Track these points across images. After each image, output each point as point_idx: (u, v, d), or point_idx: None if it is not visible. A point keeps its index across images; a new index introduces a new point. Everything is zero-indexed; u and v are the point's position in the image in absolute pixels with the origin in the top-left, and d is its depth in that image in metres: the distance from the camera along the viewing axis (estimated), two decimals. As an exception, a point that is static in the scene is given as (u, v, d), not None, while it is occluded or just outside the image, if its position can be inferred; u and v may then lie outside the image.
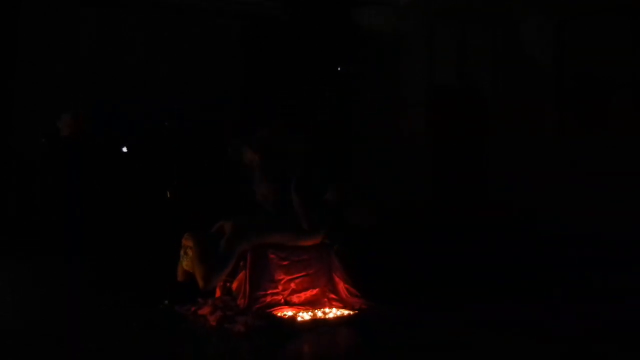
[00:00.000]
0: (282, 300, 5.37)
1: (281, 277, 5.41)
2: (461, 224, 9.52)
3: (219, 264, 5.33)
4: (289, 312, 5.26)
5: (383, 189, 9.92)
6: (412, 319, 5.16)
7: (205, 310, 5.25)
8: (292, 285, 5.44)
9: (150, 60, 9.57)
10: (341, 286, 5.52)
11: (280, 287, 5.39)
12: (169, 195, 7.10)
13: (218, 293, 5.60)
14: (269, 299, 5.32)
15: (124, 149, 7.84)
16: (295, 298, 5.41)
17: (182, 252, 5.53)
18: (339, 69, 10.12)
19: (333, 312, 5.31)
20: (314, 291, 5.50)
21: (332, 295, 5.53)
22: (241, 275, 5.40)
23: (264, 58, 10.03)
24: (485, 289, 6.18)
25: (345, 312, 5.33)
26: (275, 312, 5.23)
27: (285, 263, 5.45)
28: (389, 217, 8.62)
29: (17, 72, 8.77)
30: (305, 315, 5.20)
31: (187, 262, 5.49)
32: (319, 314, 5.28)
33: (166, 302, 5.58)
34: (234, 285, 5.46)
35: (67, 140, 7.69)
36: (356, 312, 5.32)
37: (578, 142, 9.95)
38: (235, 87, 10.06)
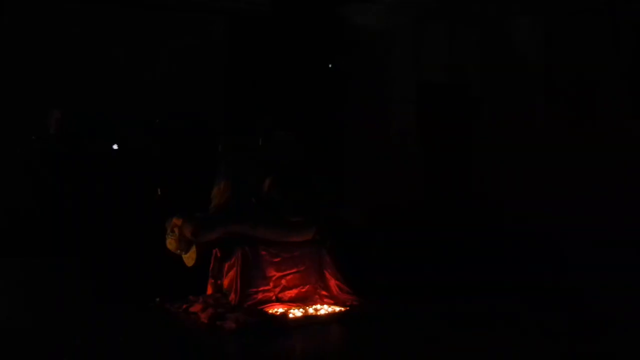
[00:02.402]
0: (274, 297, 5.38)
1: (272, 274, 5.42)
2: (450, 221, 9.55)
3: (209, 222, 5.38)
4: (280, 309, 5.27)
5: (373, 186, 9.94)
6: (403, 315, 5.19)
7: (196, 308, 5.26)
8: (283, 282, 5.45)
9: (134, 57, 9.51)
10: (332, 283, 5.54)
11: (271, 284, 5.40)
12: (159, 193, 7.09)
13: (209, 290, 5.61)
14: (260, 295, 5.33)
15: (115, 147, 7.81)
16: (286, 295, 5.42)
17: (168, 230, 5.53)
18: (329, 66, 10.11)
19: (324, 309, 5.33)
20: (305, 288, 5.51)
21: (323, 292, 5.54)
22: (232, 272, 5.40)
23: (249, 54, 10.00)
24: (474, 285, 6.22)
25: (337, 308, 5.35)
26: (266, 309, 5.24)
27: (276, 260, 5.46)
28: (379, 214, 8.64)
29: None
30: (296, 312, 5.22)
31: (170, 240, 5.50)
32: (310, 310, 5.29)
33: (157, 299, 5.59)
34: (225, 283, 5.47)
35: (56, 138, 7.66)
36: (347, 308, 5.34)
37: (568, 140, 9.97)
38: (221, 83, 10.02)
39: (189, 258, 5.53)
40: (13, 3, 8.75)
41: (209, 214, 5.55)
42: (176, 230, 5.40)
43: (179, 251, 5.52)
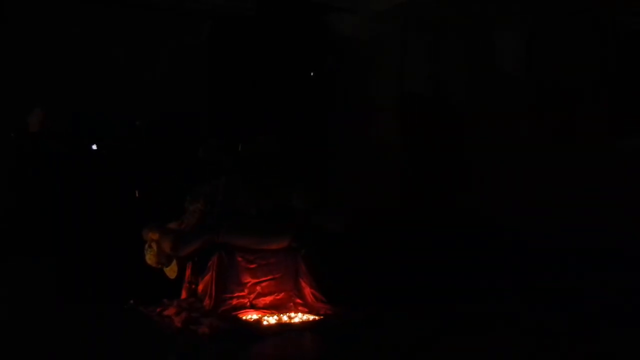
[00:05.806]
0: (248, 304, 5.39)
1: (247, 280, 5.43)
2: (431, 228, 9.58)
3: (187, 236, 5.40)
4: (254, 316, 5.28)
5: (354, 193, 9.96)
6: (378, 324, 5.21)
7: (170, 311, 5.25)
8: (258, 288, 5.46)
9: (118, 59, 9.48)
10: (307, 291, 5.55)
11: (246, 290, 5.41)
12: (137, 195, 7.06)
13: (184, 294, 5.61)
14: (234, 301, 5.34)
15: (94, 147, 7.78)
16: (261, 301, 5.43)
17: (146, 246, 5.53)
18: (311, 74, 10.15)
19: (298, 317, 5.34)
20: (280, 295, 5.52)
21: (298, 300, 5.55)
22: (207, 277, 5.40)
23: (233, 58, 10.01)
24: (453, 291, 6.24)
25: (311, 317, 5.36)
26: (240, 315, 5.25)
27: (252, 266, 5.46)
28: (359, 222, 8.64)
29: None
30: (270, 319, 5.23)
31: (150, 255, 5.49)
32: (285, 318, 5.31)
33: (131, 302, 5.57)
34: (200, 287, 5.46)
35: (37, 136, 7.61)
36: (321, 317, 5.35)
37: (552, 149, 10.02)
38: (205, 87, 10.02)
39: (171, 270, 5.56)
40: (14, 3, 8.71)
41: (183, 225, 5.56)
42: (154, 245, 5.40)
43: (159, 265, 5.53)
